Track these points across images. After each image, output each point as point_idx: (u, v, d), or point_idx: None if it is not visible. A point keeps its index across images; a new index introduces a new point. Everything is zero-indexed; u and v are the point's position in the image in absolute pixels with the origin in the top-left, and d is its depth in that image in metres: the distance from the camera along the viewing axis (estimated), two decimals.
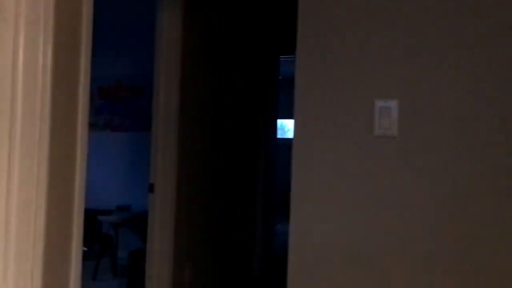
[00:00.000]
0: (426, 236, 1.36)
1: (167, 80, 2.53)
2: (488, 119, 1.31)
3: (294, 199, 1.49)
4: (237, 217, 3.64)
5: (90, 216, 3.82)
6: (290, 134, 8.16)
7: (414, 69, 1.37)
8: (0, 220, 1.16)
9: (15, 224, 1.18)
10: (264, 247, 4.28)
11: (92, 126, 4.44)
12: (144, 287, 2.51)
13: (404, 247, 1.37)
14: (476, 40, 1.32)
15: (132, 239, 4.47)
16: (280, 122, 7.06)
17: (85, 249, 3.85)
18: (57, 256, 1.30)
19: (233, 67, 3.41)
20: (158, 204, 2.53)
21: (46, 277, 1.25)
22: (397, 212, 1.38)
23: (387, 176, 1.39)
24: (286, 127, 8.56)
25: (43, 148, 1.24)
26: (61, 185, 1.32)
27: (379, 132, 1.40)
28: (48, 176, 1.25)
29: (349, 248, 1.43)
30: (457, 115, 1.33)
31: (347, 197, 1.43)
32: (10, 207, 1.17)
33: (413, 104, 1.37)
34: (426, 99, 1.36)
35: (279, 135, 6.44)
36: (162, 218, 2.53)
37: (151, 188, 2.55)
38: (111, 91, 4.58)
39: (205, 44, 2.90)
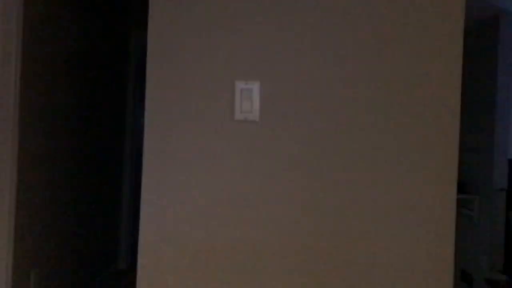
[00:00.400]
0: (289, 229, 1.28)
1: (3, 57, 2.12)
2: (353, 105, 1.27)
3: (146, 191, 1.30)
4: (100, 212, 3.30)
5: None
6: None
7: (277, 48, 1.28)
8: None
9: None
10: (131, 242, 3.99)
11: None
12: None
13: (265, 241, 1.28)
14: (342, 22, 1.27)
15: None
16: None
17: None
18: None
19: (95, 47, 3.05)
20: None
21: None
22: (258, 204, 1.29)
23: (247, 164, 1.29)
24: None
25: None
26: None
27: (240, 117, 1.28)
28: None
29: (207, 242, 1.29)
30: (321, 100, 1.27)
31: (206, 188, 1.29)
32: None
33: (276, 86, 1.28)
34: (289, 81, 1.28)
35: None
36: None
37: None
38: None
39: (57, 20, 2.52)
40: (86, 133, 2.99)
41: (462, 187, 3.65)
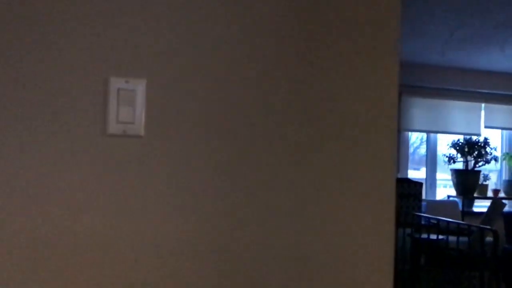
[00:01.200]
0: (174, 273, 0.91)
1: None
2: (271, 126, 0.97)
3: None
4: None
5: None
6: None
7: (175, 34, 0.92)
8: None
9: None
10: None
11: None
12: None
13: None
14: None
15: None
16: None
17: None
18: None
19: None
20: None
21: None
22: (135, 253, 0.89)
23: (121, 199, 0.88)
24: None
25: None
26: None
27: (117, 130, 0.88)
28: None
29: None
30: (226, 108, 0.95)
31: (55, 232, 0.84)
32: None
33: (170, 87, 0.91)
34: (189, 82, 0.92)
35: None
36: None
37: None
38: None
39: None
40: None
41: None
